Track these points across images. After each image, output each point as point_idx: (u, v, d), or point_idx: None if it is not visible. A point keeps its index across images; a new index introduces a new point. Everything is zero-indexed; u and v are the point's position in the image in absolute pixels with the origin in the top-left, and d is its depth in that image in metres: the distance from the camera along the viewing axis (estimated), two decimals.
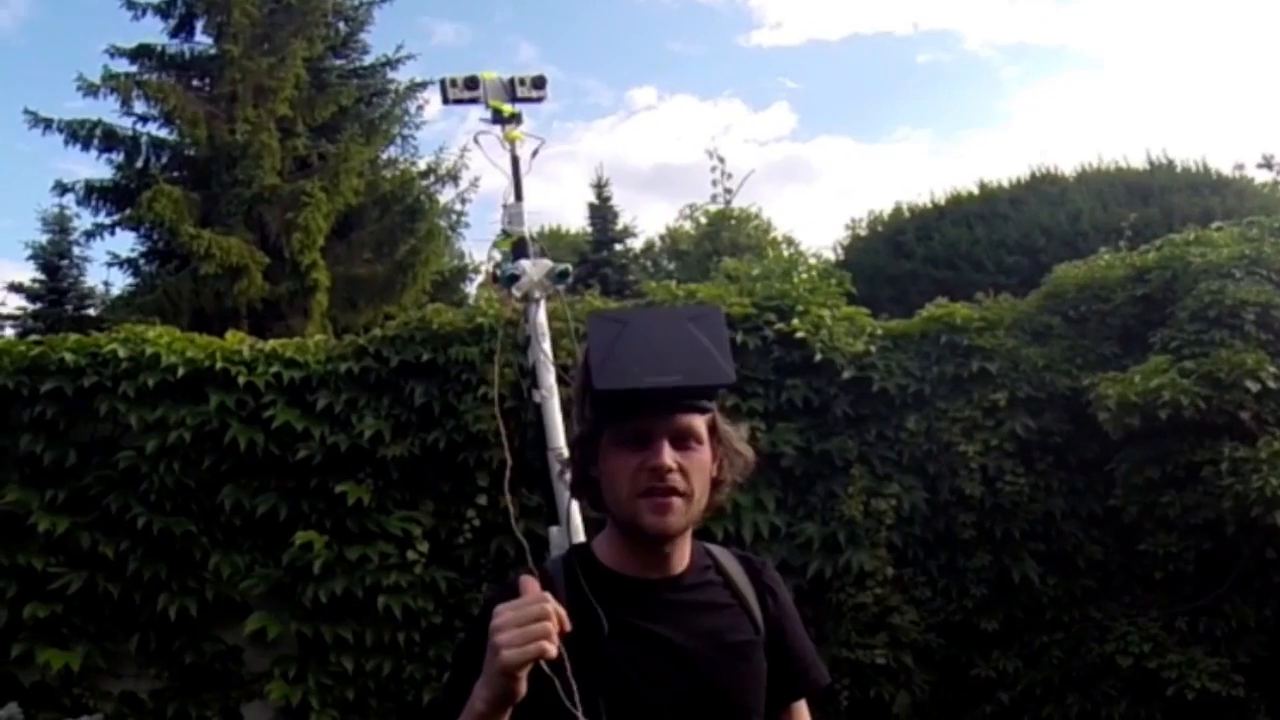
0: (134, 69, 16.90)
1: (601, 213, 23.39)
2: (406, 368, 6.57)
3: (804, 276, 7.30)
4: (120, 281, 18.48)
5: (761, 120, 51.45)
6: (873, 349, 6.77)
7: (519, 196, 4.33)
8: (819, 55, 50.09)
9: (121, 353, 6.48)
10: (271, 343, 6.77)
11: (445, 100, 4.36)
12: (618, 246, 23.35)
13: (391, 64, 18.93)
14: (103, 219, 17.35)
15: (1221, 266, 6.59)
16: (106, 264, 18.06)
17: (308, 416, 6.46)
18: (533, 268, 4.10)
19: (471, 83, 4.30)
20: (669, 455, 1.88)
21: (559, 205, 61.52)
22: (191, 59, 17.23)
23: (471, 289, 19.56)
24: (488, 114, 4.29)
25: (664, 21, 51.02)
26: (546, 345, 4.09)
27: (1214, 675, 6.20)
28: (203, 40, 17.21)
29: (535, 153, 4.33)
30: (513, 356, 6.46)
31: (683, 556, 2.01)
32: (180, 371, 6.45)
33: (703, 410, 1.95)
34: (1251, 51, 48.84)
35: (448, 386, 6.50)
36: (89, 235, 17.99)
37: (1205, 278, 6.55)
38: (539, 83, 4.41)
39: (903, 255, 14.65)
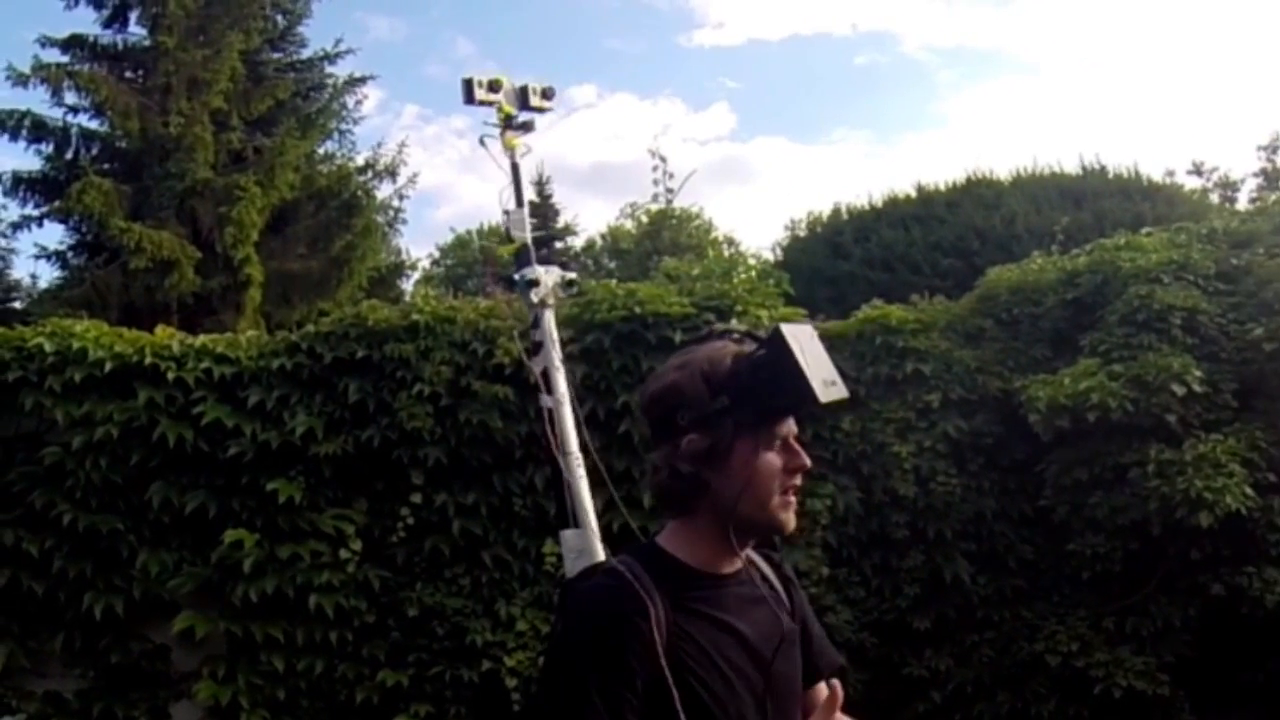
0: (65, 59, 16.54)
1: (542, 211, 23.40)
2: (340, 364, 6.51)
3: (743, 277, 7.35)
4: (47, 274, 18.17)
5: (701, 120, 51.56)
6: None
7: (520, 203, 4.44)
8: (759, 56, 50.26)
9: (48, 347, 6.36)
10: (202, 338, 6.68)
11: (468, 100, 4.48)
12: (558, 245, 23.33)
13: (330, 58, 18.70)
14: (30, 210, 16.94)
15: (1150, 271, 6.71)
16: (34, 256, 17.62)
17: (238, 413, 6.38)
18: (546, 275, 4.22)
19: (495, 85, 4.44)
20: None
21: (496, 203, 61.15)
22: (125, 50, 16.90)
23: (408, 286, 19.45)
24: (494, 118, 4.43)
25: (604, 19, 50.94)
26: (557, 352, 4.18)
27: (1140, 674, 6.33)
28: (136, 31, 16.87)
29: (523, 155, 4.44)
30: (448, 354, 6.46)
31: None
32: (108, 366, 6.34)
33: None
34: (1183, 60, 49.80)
35: (382, 384, 6.45)
36: (15, 227, 17.54)
37: (1134, 282, 6.67)
38: (548, 94, 4.57)
39: (840, 256, 14.74)
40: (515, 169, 4.46)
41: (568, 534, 4.03)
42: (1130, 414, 6.22)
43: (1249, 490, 6.08)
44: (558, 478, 4.10)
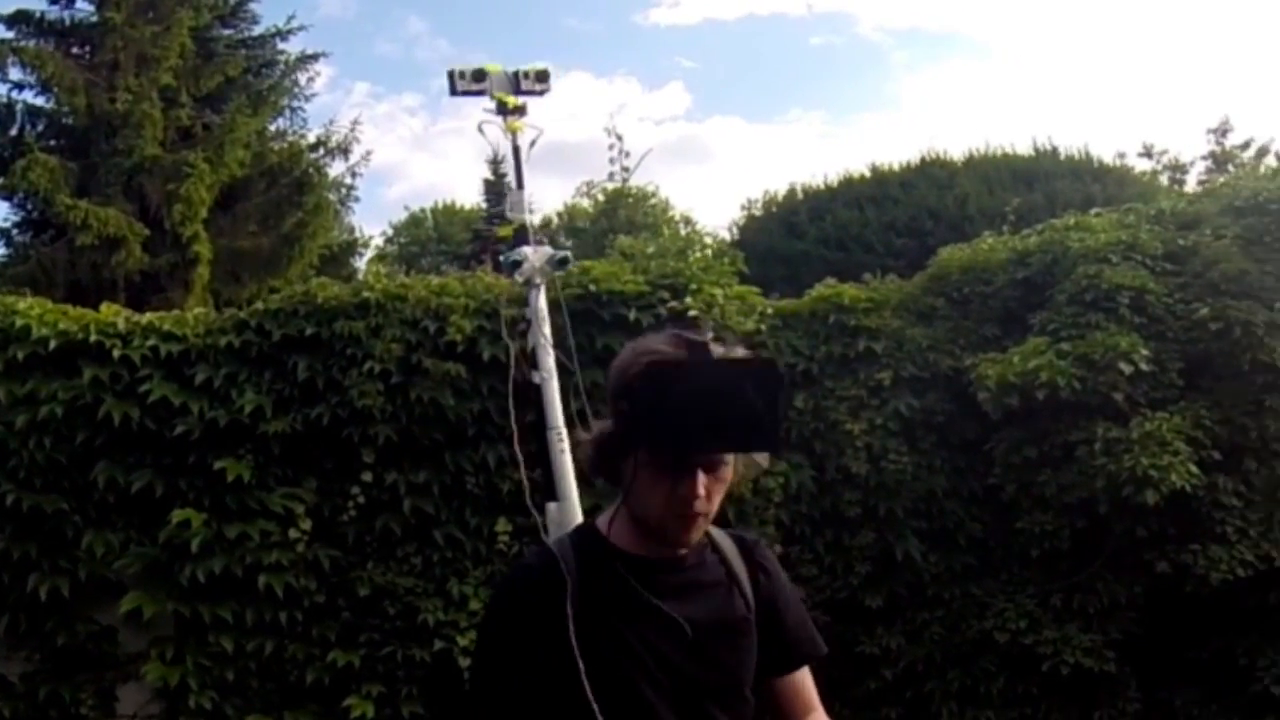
0: (11, 35, 16.30)
1: (497, 189, 23.27)
2: (289, 342, 6.43)
3: (698, 255, 7.35)
4: None
5: (656, 99, 51.52)
6: (763, 327, 6.82)
7: (520, 184, 4.49)
8: (714, 35, 50.28)
9: None
10: (148, 315, 6.59)
11: (453, 92, 4.57)
12: (500, 230, 23.24)
13: (282, 35, 18.49)
14: None
15: (1099, 251, 6.76)
16: None
17: (185, 391, 6.30)
18: (534, 254, 4.28)
19: (479, 75, 4.52)
20: (701, 486, 1.94)
21: (450, 181, 61.01)
22: (72, 26, 16.66)
23: (361, 264, 19.30)
24: (492, 105, 4.47)
25: None
26: (546, 329, 4.25)
27: (1087, 651, 6.40)
28: (84, 7, 16.62)
29: (533, 143, 4.54)
30: (399, 331, 6.42)
31: None
32: (52, 344, 6.26)
33: None
34: (1136, 43, 50.25)
35: (332, 361, 6.39)
36: None
37: (1083, 262, 6.71)
38: (542, 76, 4.62)
39: (795, 236, 14.82)
40: (516, 152, 4.55)
41: (550, 507, 4.09)
42: (1078, 392, 6.27)
43: (1194, 468, 6.15)
44: (544, 452, 4.16)
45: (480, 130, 4.53)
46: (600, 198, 26.72)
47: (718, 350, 1.95)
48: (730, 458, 1.99)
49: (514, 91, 4.55)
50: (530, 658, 1.97)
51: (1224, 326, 6.46)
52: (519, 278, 4.34)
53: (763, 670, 2.15)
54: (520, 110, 4.55)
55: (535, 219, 4.74)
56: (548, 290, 4.53)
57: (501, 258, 4.44)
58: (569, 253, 4.55)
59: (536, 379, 4.30)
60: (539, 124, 4.57)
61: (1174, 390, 6.53)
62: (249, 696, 6.32)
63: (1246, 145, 18.15)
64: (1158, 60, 48.69)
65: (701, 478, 1.94)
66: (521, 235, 4.43)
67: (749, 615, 2.12)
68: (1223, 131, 18.01)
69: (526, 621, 1.98)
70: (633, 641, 1.97)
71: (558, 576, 1.97)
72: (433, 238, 31.77)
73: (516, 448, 3.16)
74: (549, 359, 4.31)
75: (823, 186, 16.22)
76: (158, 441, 6.31)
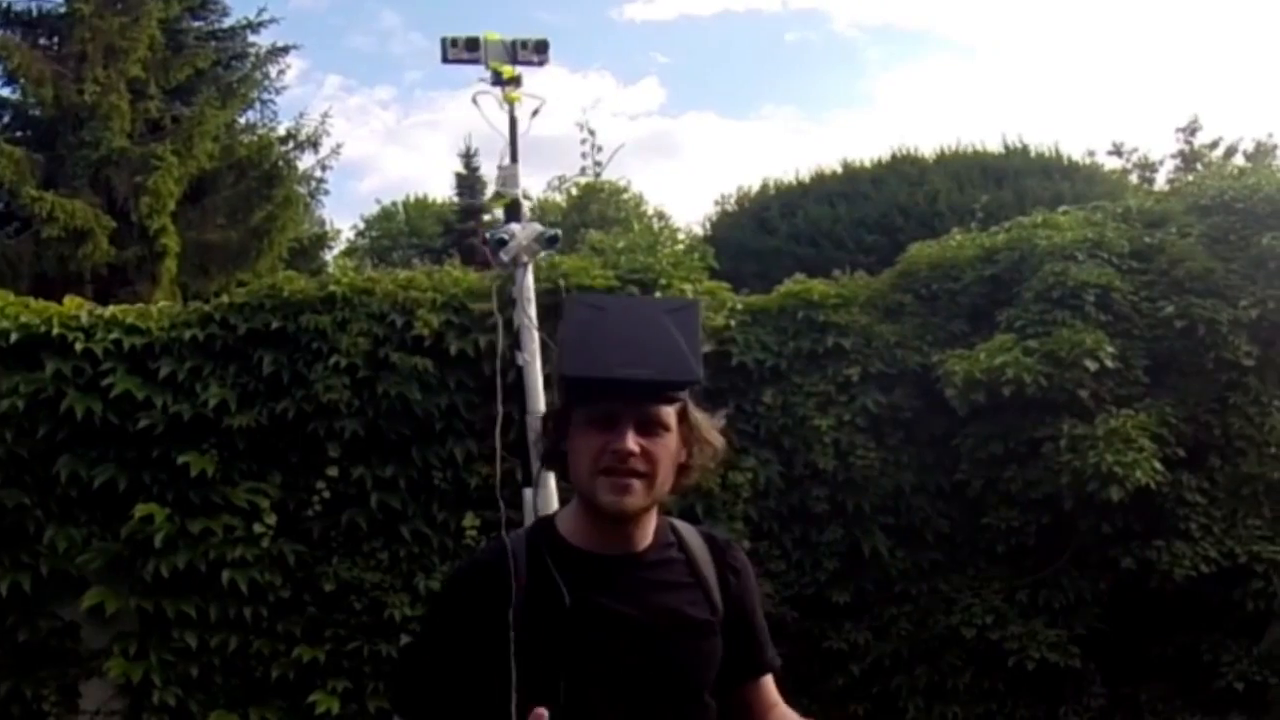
0: None
1: (469, 182, 23.23)
2: (255, 336, 6.37)
3: (669, 250, 7.33)
4: None
5: (631, 94, 51.61)
6: (732, 323, 6.81)
7: (514, 158, 4.37)
8: (690, 30, 50.41)
9: None
10: (112, 308, 6.52)
11: (445, 59, 4.41)
12: (485, 216, 23.19)
13: (252, 27, 18.47)
14: None
15: (1066, 249, 6.78)
16: None
17: (149, 385, 6.23)
18: (521, 231, 4.16)
19: (472, 44, 4.39)
20: (632, 440, 1.92)
21: (422, 174, 60.77)
22: (39, 17, 16.61)
23: (330, 257, 19.24)
24: (487, 74, 4.35)
25: None
26: (532, 310, 4.13)
27: (1052, 646, 6.43)
28: None
29: (535, 113, 4.41)
30: (366, 325, 6.38)
31: (645, 534, 2.05)
32: (13, 337, 6.18)
33: (671, 400, 1.98)
34: (1108, 41, 50.60)
35: (297, 355, 6.34)
36: None
37: (1050, 259, 6.73)
38: (541, 47, 4.51)
39: (767, 232, 14.85)
40: (513, 124, 4.40)
41: (527, 493, 4.03)
42: (1044, 389, 6.29)
43: (1158, 465, 6.18)
44: (524, 438, 4.09)
45: (474, 102, 4.43)
46: (573, 192, 26.66)
47: None
48: (670, 421, 1.97)
49: (510, 61, 4.45)
50: (469, 656, 1.96)
51: (1189, 324, 6.51)
52: (505, 256, 4.24)
53: (729, 675, 2.12)
54: (516, 81, 4.44)
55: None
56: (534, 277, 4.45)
57: (488, 234, 4.32)
58: (559, 231, 4.44)
59: (520, 361, 4.21)
60: (540, 94, 4.45)
61: (1139, 387, 6.56)
62: (213, 692, 6.27)
63: (1215, 144, 18.28)
64: (1129, 59, 49.09)
65: (634, 435, 1.92)
66: (513, 211, 4.33)
67: (712, 618, 2.08)
68: (1192, 130, 18.11)
69: (470, 620, 1.97)
70: (582, 642, 1.94)
71: (502, 576, 1.95)
72: (404, 231, 31.69)
73: (498, 438, 3.09)
74: (534, 342, 4.21)
75: (795, 183, 16.27)
76: (121, 435, 6.24)
